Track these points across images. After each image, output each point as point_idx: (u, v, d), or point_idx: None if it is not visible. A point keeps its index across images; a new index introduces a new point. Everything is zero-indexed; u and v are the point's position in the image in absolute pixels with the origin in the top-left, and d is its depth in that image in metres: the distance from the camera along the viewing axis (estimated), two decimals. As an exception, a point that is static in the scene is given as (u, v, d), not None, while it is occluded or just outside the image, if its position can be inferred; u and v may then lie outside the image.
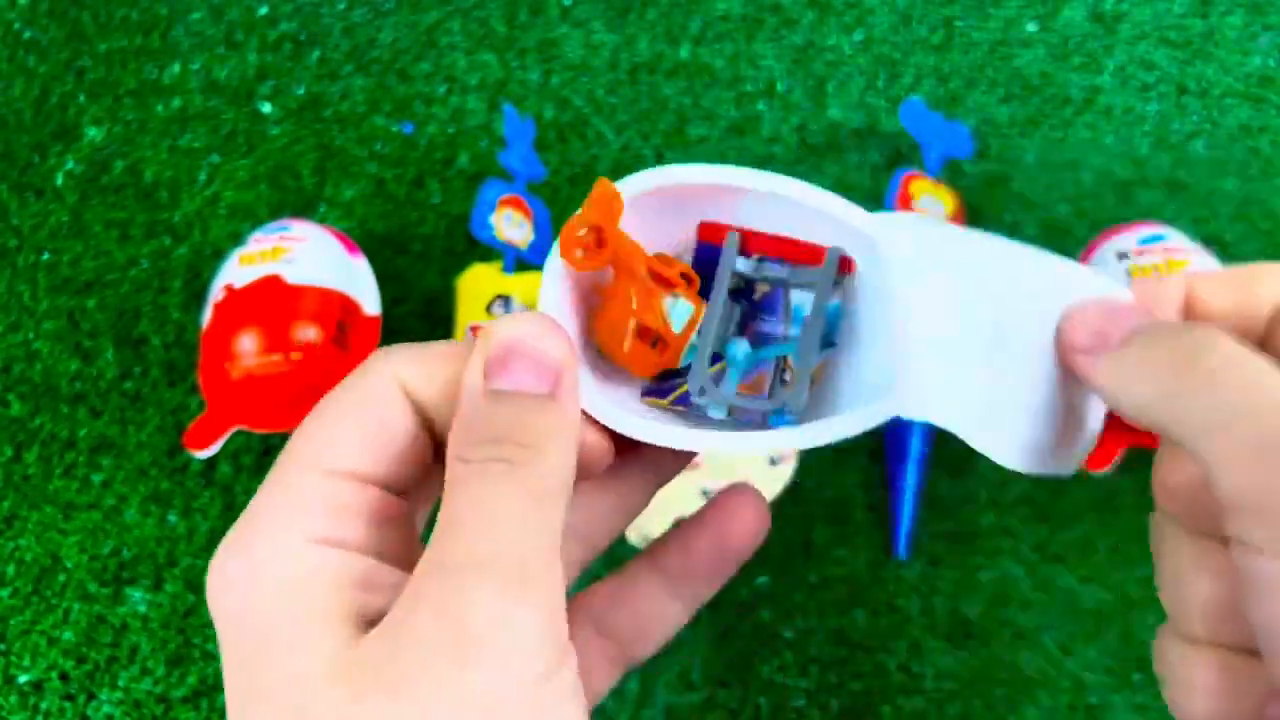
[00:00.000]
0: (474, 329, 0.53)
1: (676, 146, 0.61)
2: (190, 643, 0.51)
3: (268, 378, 0.50)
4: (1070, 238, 0.57)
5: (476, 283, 0.54)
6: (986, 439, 0.25)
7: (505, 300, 0.53)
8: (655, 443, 0.26)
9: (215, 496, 0.54)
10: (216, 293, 0.53)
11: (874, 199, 0.59)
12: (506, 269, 0.54)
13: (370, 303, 0.54)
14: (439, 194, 0.61)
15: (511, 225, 0.55)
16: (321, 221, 0.60)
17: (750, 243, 0.30)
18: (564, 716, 0.20)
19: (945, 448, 0.53)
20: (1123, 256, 0.51)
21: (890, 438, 0.52)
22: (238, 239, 0.60)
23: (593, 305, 0.29)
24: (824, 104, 0.62)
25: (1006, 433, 0.25)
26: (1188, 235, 0.52)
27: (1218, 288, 0.23)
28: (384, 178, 0.62)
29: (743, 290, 0.30)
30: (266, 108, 0.64)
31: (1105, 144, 0.60)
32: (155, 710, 0.50)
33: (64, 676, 0.51)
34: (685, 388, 0.29)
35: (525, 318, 0.23)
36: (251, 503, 0.22)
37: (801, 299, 0.29)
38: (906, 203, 0.54)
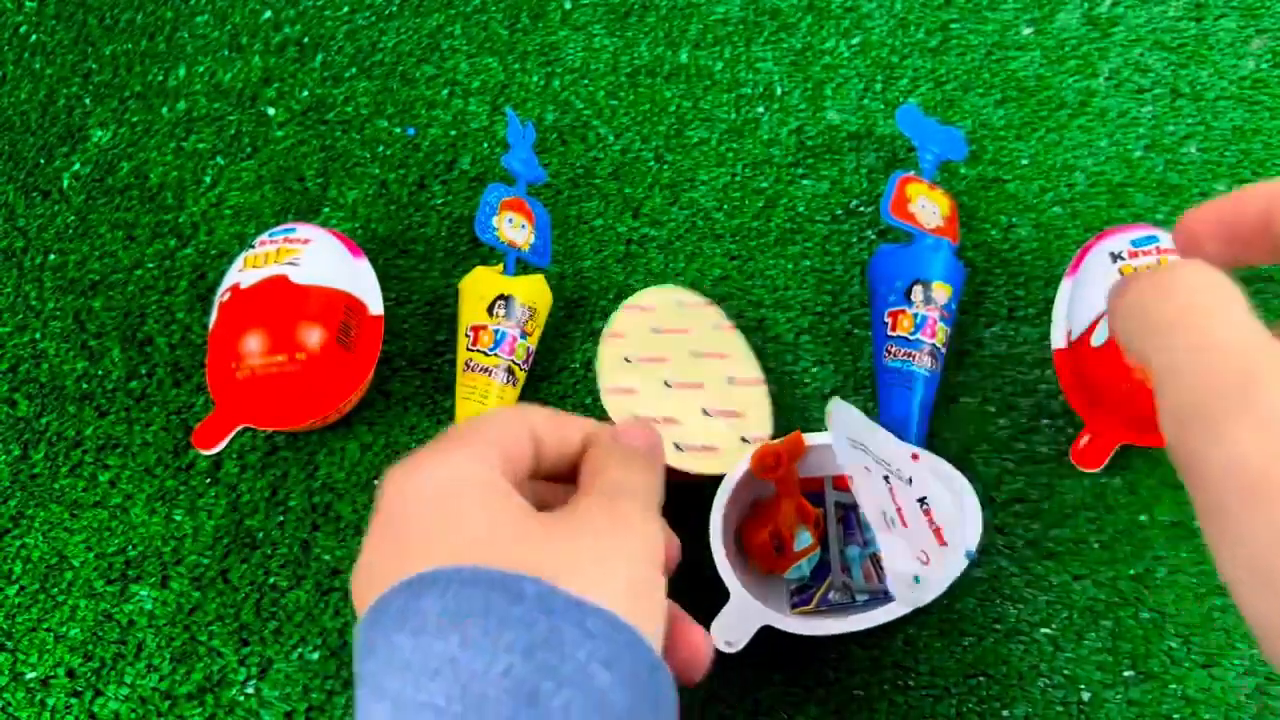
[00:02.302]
0: (475, 330, 0.54)
1: (676, 149, 0.62)
2: (196, 639, 0.52)
3: (273, 377, 0.51)
4: (1064, 239, 0.58)
5: (478, 284, 0.55)
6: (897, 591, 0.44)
7: (507, 300, 0.54)
8: (824, 633, 0.46)
9: (221, 494, 0.55)
10: (223, 294, 0.53)
11: (871, 201, 0.60)
12: (508, 270, 0.55)
13: (374, 303, 0.54)
14: (441, 196, 0.62)
15: (513, 227, 0.55)
16: (325, 223, 0.61)
17: (836, 482, 0.51)
18: (661, 600, 0.30)
19: (942, 450, 0.53)
20: (1116, 257, 0.51)
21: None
22: (243, 240, 0.61)
23: (743, 506, 0.51)
24: (821, 107, 0.63)
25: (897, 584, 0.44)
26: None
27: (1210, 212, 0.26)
28: (387, 180, 0.62)
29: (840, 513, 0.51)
30: (271, 111, 0.65)
31: (1099, 146, 0.60)
32: (161, 706, 0.50)
33: (71, 673, 0.52)
34: (821, 592, 0.49)
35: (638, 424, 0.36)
36: (429, 446, 0.31)
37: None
38: (902, 205, 0.54)
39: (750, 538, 0.49)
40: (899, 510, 0.44)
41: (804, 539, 0.49)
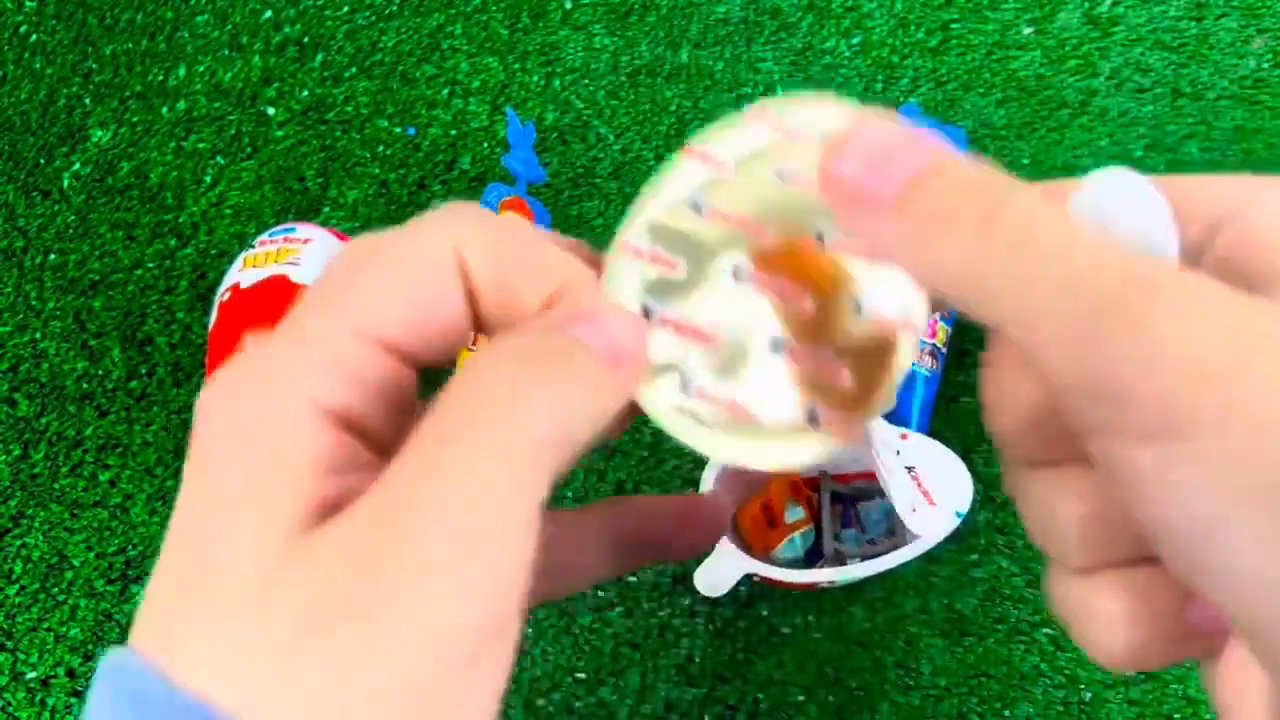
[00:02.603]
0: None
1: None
2: (196, 639, 0.52)
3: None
4: (1065, 239, 0.58)
5: (478, 283, 0.54)
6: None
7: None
8: (804, 580, 0.48)
9: (220, 495, 0.55)
10: (223, 294, 0.53)
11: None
12: (508, 270, 0.55)
13: (374, 303, 0.54)
14: (442, 196, 0.62)
15: (513, 227, 0.55)
16: (325, 223, 0.60)
17: (834, 477, 0.53)
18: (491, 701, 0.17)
19: (942, 446, 0.53)
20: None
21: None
22: (243, 240, 0.61)
23: (737, 489, 0.50)
24: (822, 107, 0.63)
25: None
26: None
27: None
28: (387, 180, 0.62)
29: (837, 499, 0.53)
30: (271, 110, 0.65)
31: (1100, 146, 0.60)
32: (161, 705, 0.50)
33: (71, 673, 0.52)
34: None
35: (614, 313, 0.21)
36: (265, 340, 0.19)
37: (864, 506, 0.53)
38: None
39: (742, 513, 0.50)
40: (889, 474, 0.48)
41: (795, 512, 0.49)
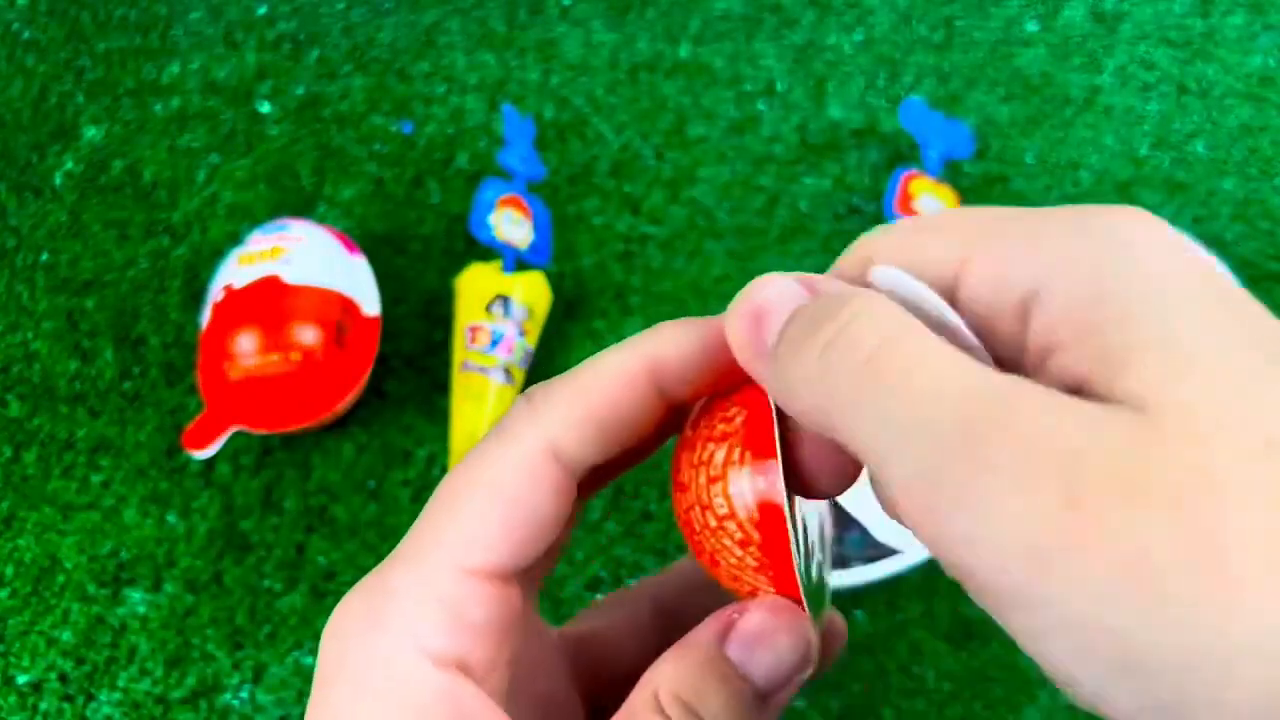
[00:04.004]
0: (472, 329, 0.53)
1: (676, 146, 0.61)
2: (189, 644, 0.51)
3: (267, 378, 0.50)
4: (1070, 237, 0.57)
5: (476, 282, 0.54)
6: None
7: (505, 300, 0.53)
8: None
9: (214, 497, 0.54)
10: (216, 293, 0.52)
11: (874, 199, 0.59)
12: (506, 268, 0.54)
13: (369, 303, 0.54)
14: (438, 194, 0.61)
15: (511, 225, 0.55)
16: (320, 221, 0.60)
17: None
18: None
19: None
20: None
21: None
22: (236, 239, 0.60)
23: None
24: (824, 103, 0.62)
25: None
26: (1188, 234, 0.52)
27: (889, 250, 0.19)
28: (383, 177, 0.62)
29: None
30: (265, 107, 0.64)
31: (1105, 143, 0.60)
32: (154, 711, 0.50)
33: (63, 677, 0.51)
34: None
35: (789, 612, 0.20)
36: (382, 577, 0.20)
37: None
38: (906, 202, 0.54)
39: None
40: None
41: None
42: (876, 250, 0.19)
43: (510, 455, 0.20)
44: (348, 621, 0.20)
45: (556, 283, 0.58)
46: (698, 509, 0.19)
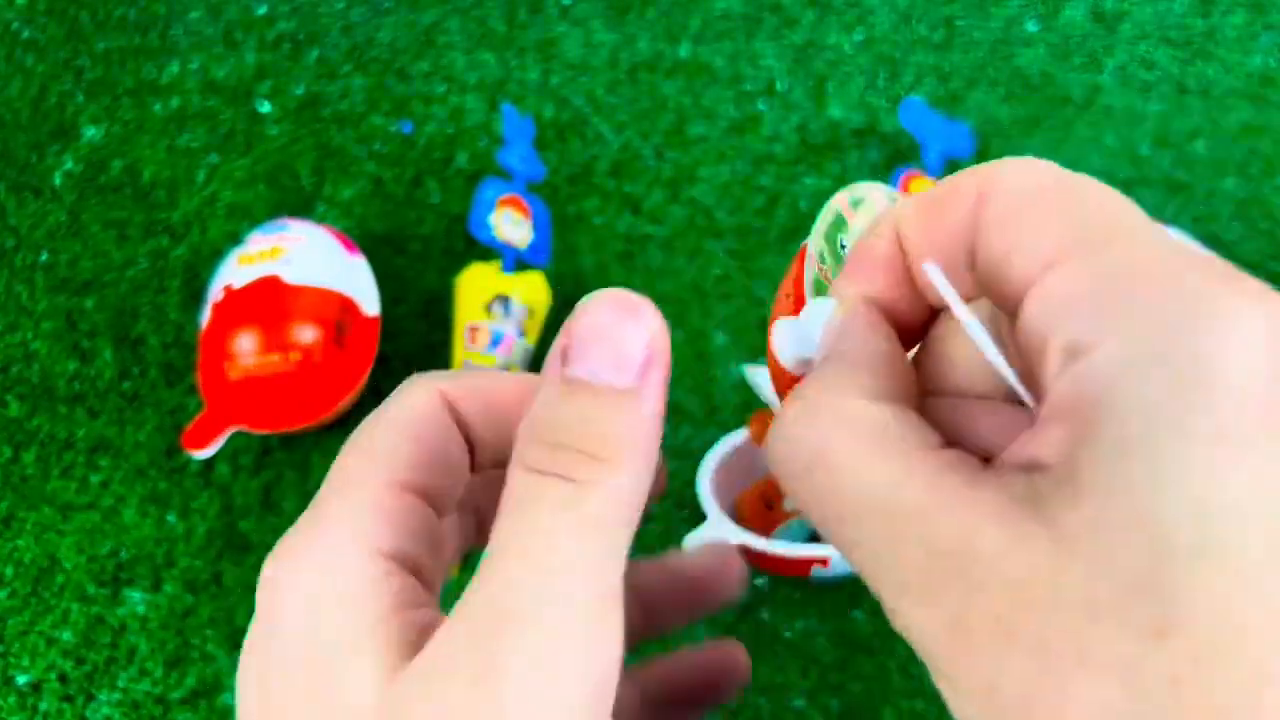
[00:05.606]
0: (472, 329, 0.53)
1: (676, 145, 0.61)
2: (189, 644, 0.51)
3: (266, 378, 0.50)
4: (1071, 237, 0.57)
5: (475, 282, 0.54)
6: None
7: (504, 300, 0.53)
8: (801, 554, 0.46)
9: (214, 497, 0.54)
10: (215, 293, 0.52)
11: (874, 198, 0.59)
12: (506, 268, 0.54)
13: (369, 302, 0.54)
14: (438, 193, 0.61)
15: (511, 224, 0.55)
16: (320, 221, 0.60)
17: None
18: None
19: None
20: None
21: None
22: (236, 239, 0.60)
23: (739, 478, 0.49)
24: (824, 103, 0.62)
25: None
26: (1188, 234, 0.52)
27: (916, 222, 0.19)
28: (383, 177, 0.62)
29: None
30: (265, 107, 0.64)
31: (1106, 143, 0.60)
32: (154, 711, 0.50)
33: (63, 677, 0.51)
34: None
35: (611, 299, 0.19)
36: (308, 513, 0.20)
37: None
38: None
39: (742, 499, 0.49)
40: None
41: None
42: (903, 225, 0.19)
43: (406, 396, 0.22)
44: (292, 538, 0.20)
45: (556, 283, 0.58)
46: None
